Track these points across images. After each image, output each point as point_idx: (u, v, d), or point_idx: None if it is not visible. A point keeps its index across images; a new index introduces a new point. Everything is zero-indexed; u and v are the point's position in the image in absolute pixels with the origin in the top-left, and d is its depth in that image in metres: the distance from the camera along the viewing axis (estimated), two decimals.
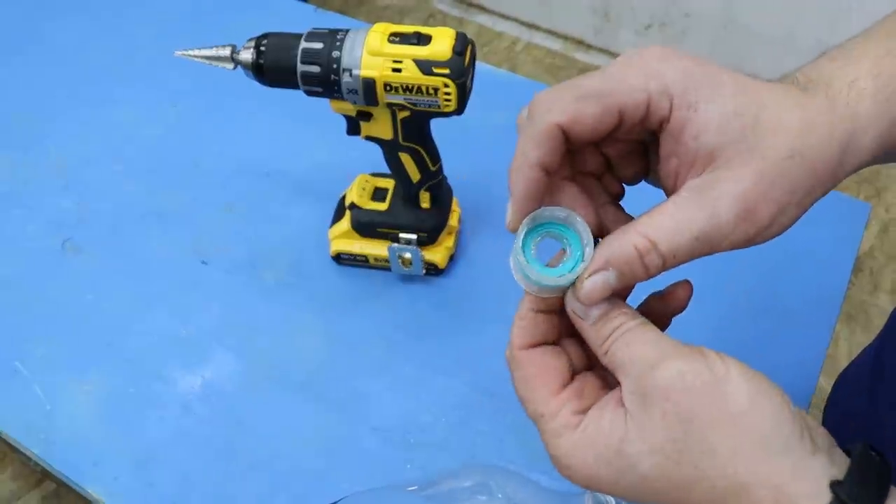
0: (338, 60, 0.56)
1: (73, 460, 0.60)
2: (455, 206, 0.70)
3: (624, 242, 0.33)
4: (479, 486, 0.50)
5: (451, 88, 0.55)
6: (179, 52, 0.60)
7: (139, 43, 0.93)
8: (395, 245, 0.66)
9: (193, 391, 0.63)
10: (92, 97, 0.87)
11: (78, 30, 0.94)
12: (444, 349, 0.65)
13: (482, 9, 2.19)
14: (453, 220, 0.69)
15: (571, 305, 0.35)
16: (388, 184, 0.69)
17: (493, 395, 0.62)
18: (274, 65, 0.58)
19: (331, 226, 0.70)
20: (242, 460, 0.59)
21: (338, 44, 0.56)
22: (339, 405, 0.62)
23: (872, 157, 0.35)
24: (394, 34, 0.56)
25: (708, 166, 0.33)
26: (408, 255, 0.66)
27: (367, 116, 0.59)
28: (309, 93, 0.58)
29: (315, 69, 0.56)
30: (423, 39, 0.55)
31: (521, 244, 0.35)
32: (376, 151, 0.63)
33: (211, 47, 0.59)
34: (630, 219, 0.37)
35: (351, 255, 0.69)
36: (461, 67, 0.54)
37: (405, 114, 0.58)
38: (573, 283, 0.35)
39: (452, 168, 0.67)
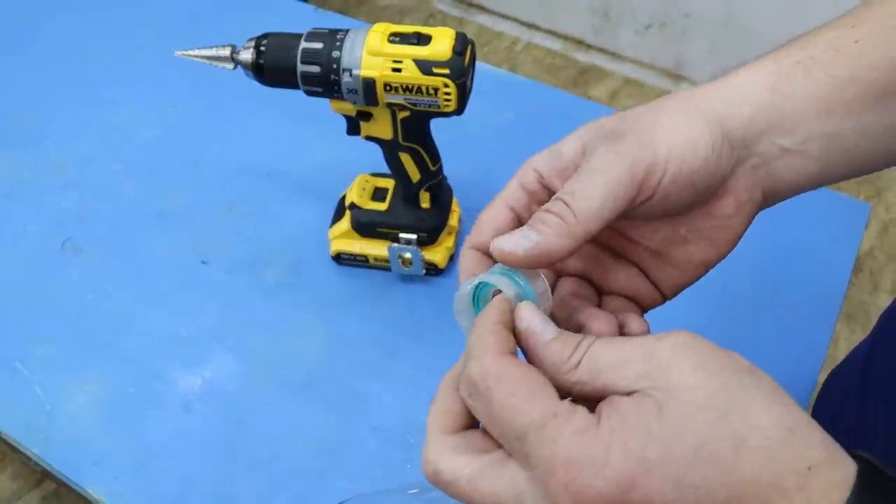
0: (338, 60, 0.56)
1: (73, 460, 0.60)
2: (455, 206, 0.70)
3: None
4: None
5: (451, 88, 0.55)
6: (179, 52, 0.60)
7: (139, 43, 0.93)
8: (395, 245, 0.66)
9: (193, 391, 0.63)
10: (92, 97, 0.87)
11: (78, 30, 0.94)
12: (444, 349, 0.65)
13: (482, 9, 2.18)
14: (453, 220, 0.69)
15: (523, 321, 0.31)
16: (388, 184, 0.69)
17: None
18: (274, 65, 0.58)
19: (331, 226, 0.70)
20: (242, 460, 0.59)
21: (338, 44, 0.56)
22: (339, 405, 0.62)
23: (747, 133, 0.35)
24: (394, 34, 0.56)
25: None
26: (408, 255, 0.66)
27: (367, 116, 0.59)
28: (309, 93, 0.58)
29: (315, 69, 0.56)
30: (423, 39, 0.55)
31: (472, 290, 0.34)
32: (376, 151, 0.63)
33: (211, 47, 0.59)
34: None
35: (351, 255, 0.69)
36: (461, 67, 0.54)
37: (405, 114, 0.58)
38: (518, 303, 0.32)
39: (452, 168, 0.67)
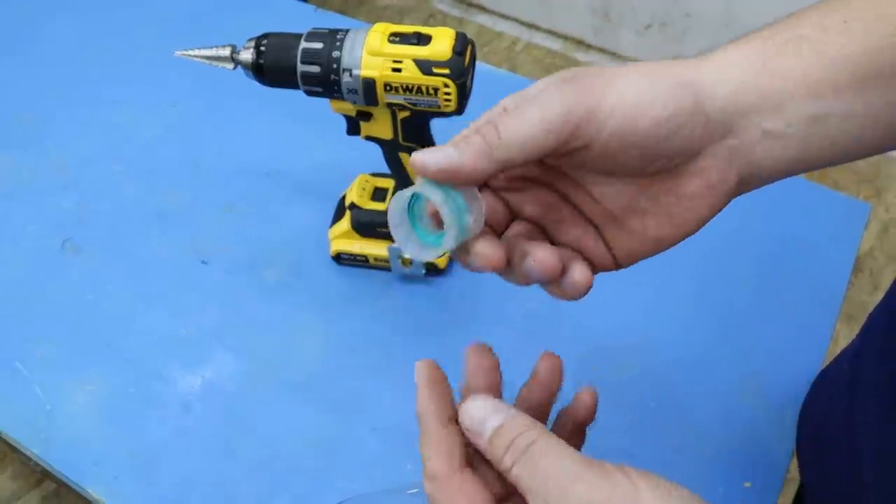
0: (338, 60, 0.56)
1: (73, 460, 0.60)
2: None
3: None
4: None
5: (451, 88, 0.55)
6: (179, 53, 0.60)
7: (139, 43, 0.93)
8: (395, 245, 0.66)
9: (193, 391, 0.63)
10: (92, 97, 0.87)
11: (78, 30, 0.94)
12: (444, 349, 0.65)
13: (482, 9, 2.19)
14: None
15: (464, 420, 0.34)
16: (388, 184, 0.69)
17: None
18: (274, 65, 0.58)
19: (331, 226, 0.70)
20: (242, 460, 0.59)
21: (338, 44, 0.56)
22: (339, 405, 0.62)
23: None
24: (394, 34, 0.56)
25: None
26: (408, 255, 0.66)
27: (367, 116, 0.59)
28: (309, 93, 0.58)
29: (315, 69, 0.56)
30: (423, 39, 0.55)
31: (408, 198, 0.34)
32: (376, 151, 0.63)
33: (211, 47, 0.59)
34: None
35: (351, 255, 0.69)
36: (461, 67, 0.54)
37: (405, 114, 0.58)
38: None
39: None
